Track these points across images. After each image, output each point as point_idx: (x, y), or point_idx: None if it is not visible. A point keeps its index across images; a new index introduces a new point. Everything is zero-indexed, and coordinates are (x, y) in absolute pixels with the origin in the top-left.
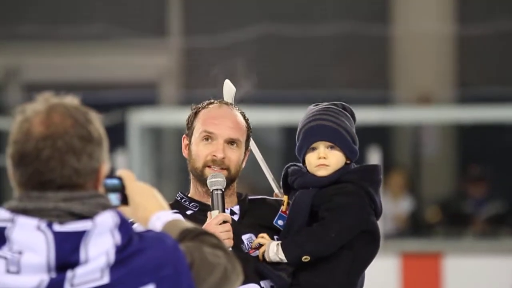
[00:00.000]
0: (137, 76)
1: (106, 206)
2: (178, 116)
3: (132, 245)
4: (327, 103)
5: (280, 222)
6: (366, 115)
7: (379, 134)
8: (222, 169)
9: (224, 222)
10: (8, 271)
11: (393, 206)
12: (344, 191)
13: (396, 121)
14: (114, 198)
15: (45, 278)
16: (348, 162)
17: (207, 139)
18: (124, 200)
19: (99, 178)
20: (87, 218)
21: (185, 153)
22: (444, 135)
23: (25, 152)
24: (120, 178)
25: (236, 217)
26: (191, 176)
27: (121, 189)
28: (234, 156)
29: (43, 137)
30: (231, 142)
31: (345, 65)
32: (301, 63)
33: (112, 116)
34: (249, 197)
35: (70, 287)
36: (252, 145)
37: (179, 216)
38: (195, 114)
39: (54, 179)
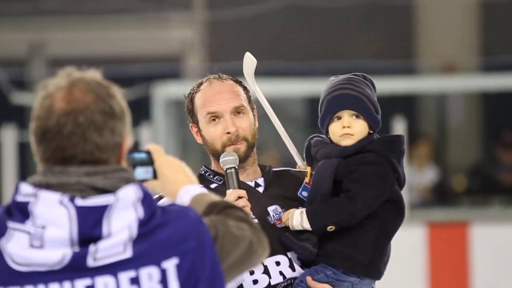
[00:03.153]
0: (161, 50)
1: (129, 180)
2: None
3: (155, 219)
4: (348, 74)
5: (305, 194)
6: (390, 85)
7: (404, 104)
8: (240, 141)
9: (240, 198)
10: (31, 246)
11: (419, 176)
12: (367, 161)
13: (421, 91)
14: (142, 171)
15: (68, 252)
16: (371, 132)
17: (213, 119)
18: (153, 174)
19: (122, 153)
20: (110, 192)
21: (198, 140)
22: (469, 104)
23: (47, 128)
24: (148, 152)
25: (261, 189)
26: (212, 157)
27: (149, 163)
28: (246, 124)
29: (64, 113)
30: (236, 111)
31: (369, 35)
32: (324, 34)
33: (136, 90)
34: (273, 169)
35: (93, 261)
36: (274, 118)
37: (206, 190)
38: (191, 100)
39: (77, 154)
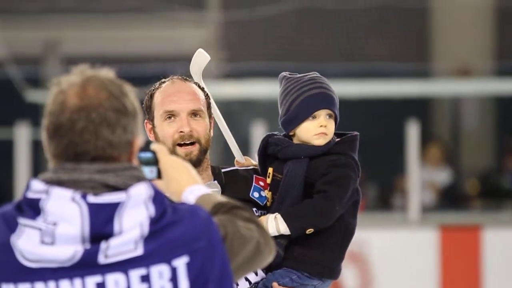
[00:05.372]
0: (176, 49)
1: (140, 179)
2: (216, 89)
3: (166, 217)
4: (309, 73)
5: (256, 194)
6: (404, 88)
7: (417, 107)
8: (192, 143)
9: None
10: (42, 242)
11: (431, 179)
12: (339, 163)
13: (435, 94)
14: (147, 171)
15: (79, 249)
16: None
17: (169, 117)
18: (158, 174)
19: (133, 151)
20: (121, 190)
21: (151, 137)
22: (483, 108)
23: (60, 124)
24: (153, 152)
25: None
26: None
27: (154, 163)
28: (201, 127)
29: (77, 109)
30: (194, 114)
31: (383, 37)
32: (338, 36)
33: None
34: (222, 170)
35: (104, 258)
36: (215, 111)
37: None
38: (151, 97)
39: (88, 151)
